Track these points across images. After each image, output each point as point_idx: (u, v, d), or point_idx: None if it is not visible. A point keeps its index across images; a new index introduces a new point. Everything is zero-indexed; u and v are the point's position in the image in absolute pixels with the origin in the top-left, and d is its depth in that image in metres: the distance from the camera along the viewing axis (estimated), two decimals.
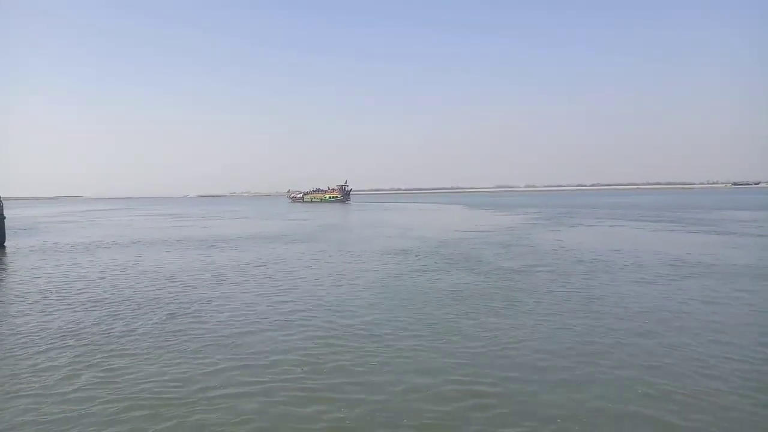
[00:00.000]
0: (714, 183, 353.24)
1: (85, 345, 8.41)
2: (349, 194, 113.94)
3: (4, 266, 18.60)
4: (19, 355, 7.98)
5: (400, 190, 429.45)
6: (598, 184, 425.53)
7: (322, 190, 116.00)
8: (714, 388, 6.25)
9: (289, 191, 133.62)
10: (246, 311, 10.58)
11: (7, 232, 26.05)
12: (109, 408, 6.03)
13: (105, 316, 10.36)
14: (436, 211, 59.97)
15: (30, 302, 11.84)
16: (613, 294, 11.50)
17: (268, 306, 11.04)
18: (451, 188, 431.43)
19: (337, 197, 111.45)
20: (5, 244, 25.51)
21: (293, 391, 6.46)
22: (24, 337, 8.93)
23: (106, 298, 12.12)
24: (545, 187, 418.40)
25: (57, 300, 12.04)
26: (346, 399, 6.21)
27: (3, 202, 25.68)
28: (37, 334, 9.10)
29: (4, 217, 25.47)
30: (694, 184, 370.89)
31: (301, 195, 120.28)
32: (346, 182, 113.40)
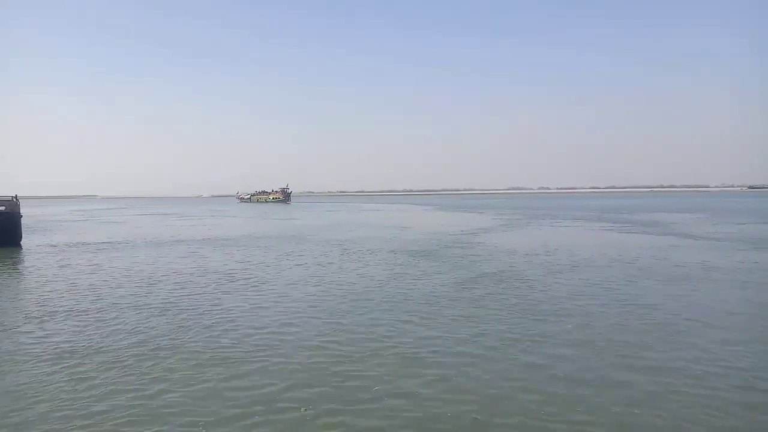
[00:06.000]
0: (730, 186, 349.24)
1: (109, 353, 8.47)
2: (289, 196, 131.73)
3: (23, 265, 19.38)
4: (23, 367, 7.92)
5: (412, 191, 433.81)
6: (612, 187, 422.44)
7: (266, 192, 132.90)
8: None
9: (237, 193, 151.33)
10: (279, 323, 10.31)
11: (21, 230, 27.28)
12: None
13: (112, 321, 10.54)
14: (393, 212, 64.62)
15: (41, 310, 11.59)
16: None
17: (291, 316, 10.90)
18: (464, 190, 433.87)
19: (279, 198, 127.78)
20: (21, 242, 26.54)
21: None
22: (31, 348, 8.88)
23: (115, 301, 12.43)
24: (558, 189, 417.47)
25: (70, 306, 12.04)
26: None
27: (20, 201, 26.96)
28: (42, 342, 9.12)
29: (21, 216, 27.12)
30: (709, 187, 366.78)
31: (248, 196, 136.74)
32: (287, 185, 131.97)
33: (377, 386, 6.99)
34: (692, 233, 28.92)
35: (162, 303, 12.27)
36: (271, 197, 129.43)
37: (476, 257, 19.47)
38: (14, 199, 26.71)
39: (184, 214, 65.64)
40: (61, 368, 7.81)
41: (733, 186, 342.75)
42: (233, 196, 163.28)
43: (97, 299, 12.77)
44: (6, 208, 26.19)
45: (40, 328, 10.17)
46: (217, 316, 10.84)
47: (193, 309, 11.59)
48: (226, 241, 27.52)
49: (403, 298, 12.46)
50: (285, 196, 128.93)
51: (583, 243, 24.24)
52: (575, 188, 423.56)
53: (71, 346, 8.88)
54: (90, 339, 9.33)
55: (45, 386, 7.15)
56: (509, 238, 27.68)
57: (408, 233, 31.40)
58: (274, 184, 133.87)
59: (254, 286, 14.28)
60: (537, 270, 16.22)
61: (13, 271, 18.25)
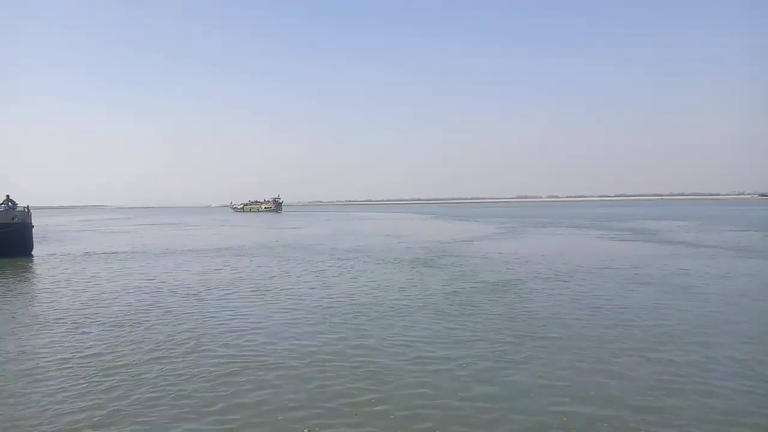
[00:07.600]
0: (740, 194, 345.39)
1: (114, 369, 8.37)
2: (281, 206, 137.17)
3: (36, 274, 19.84)
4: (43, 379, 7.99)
5: (420, 200, 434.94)
6: (621, 195, 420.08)
7: (258, 202, 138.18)
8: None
9: (231, 203, 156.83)
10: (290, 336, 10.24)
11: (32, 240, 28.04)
12: None
13: (131, 336, 10.45)
14: (386, 222, 65.27)
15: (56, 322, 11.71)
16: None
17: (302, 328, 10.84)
18: (472, 198, 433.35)
19: (271, 208, 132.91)
20: (32, 252, 27.03)
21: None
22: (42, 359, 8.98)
23: (123, 308, 12.87)
24: (567, 197, 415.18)
25: (85, 316, 12.20)
26: None
27: (31, 211, 27.90)
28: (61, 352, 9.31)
29: (32, 226, 28.02)
30: (720, 194, 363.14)
31: (241, 206, 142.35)
32: (278, 195, 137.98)
33: (382, 404, 6.91)
34: (672, 240, 29.85)
35: (169, 311, 12.70)
36: (263, 207, 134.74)
37: (467, 267, 19.81)
38: (26, 210, 27.92)
39: (188, 224, 67.34)
40: (65, 375, 8.15)
41: (743, 193, 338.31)
42: (228, 206, 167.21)
43: (106, 307, 13.33)
44: (18, 219, 27.38)
45: (49, 333, 10.70)
46: (221, 327, 11.04)
47: (197, 318, 11.90)
48: (230, 251, 28.58)
49: (407, 309, 12.51)
50: (276, 206, 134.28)
51: (571, 251, 25.13)
52: (584, 196, 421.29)
53: (75, 353, 9.28)
54: (94, 345, 9.73)
55: (47, 393, 7.38)
56: (500, 247, 28.59)
57: (394, 242, 32.45)
58: (277, 194, 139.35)
59: (255, 297, 14.69)
60: (527, 278, 16.70)
61: (25, 279, 19.20)
